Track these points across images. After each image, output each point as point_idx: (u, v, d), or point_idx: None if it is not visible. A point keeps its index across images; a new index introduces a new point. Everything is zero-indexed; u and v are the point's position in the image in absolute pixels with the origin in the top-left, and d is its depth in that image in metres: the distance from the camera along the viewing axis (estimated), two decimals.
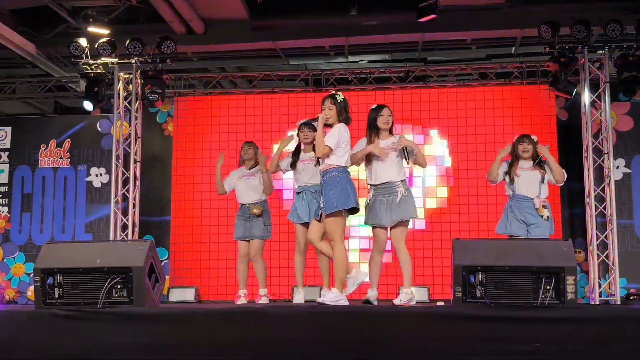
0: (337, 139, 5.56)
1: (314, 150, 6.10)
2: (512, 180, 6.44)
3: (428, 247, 9.02)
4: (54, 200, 9.83)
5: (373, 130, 6.02)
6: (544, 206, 6.30)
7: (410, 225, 6.11)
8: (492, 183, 6.67)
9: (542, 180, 6.39)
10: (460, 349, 3.88)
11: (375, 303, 5.97)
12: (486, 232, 8.80)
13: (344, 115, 5.68)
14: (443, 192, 9.30)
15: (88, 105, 9.14)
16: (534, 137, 6.55)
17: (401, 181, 5.92)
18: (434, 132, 9.42)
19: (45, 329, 4.31)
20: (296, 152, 6.62)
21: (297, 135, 6.64)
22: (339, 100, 5.67)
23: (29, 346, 4.22)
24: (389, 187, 5.89)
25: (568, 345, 3.85)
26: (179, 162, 9.69)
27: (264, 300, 6.99)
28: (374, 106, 6.12)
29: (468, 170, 9.20)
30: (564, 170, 6.42)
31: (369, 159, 6.01)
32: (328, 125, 5.68)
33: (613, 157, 8.58)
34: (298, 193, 6.49)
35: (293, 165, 6.59)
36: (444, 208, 9.21)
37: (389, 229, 5.93)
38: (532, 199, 6.32)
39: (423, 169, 6.69)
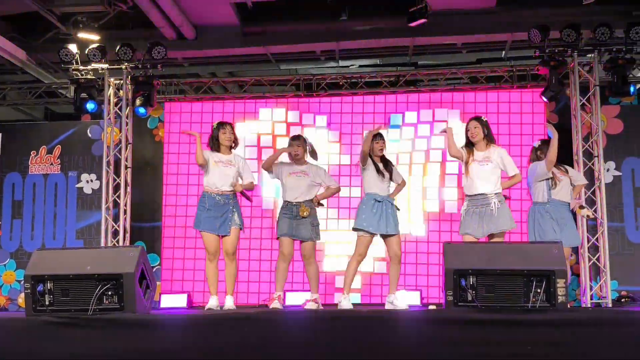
0: None
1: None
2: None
3: (422, 250, 9.03)
4: (44, 206, 9.79)
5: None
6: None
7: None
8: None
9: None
10: (451, 353, 3.88)
11: None
12: None
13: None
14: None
15: (90, 105, 9.02)
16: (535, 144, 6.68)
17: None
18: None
19: (36, 336, 4.29)
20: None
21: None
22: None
23: (19, 353, 4.19)
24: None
25: (559, 348, 3.86)
26: (170, 167, 9.67)
27: (310, 305, 6.71)
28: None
29: (459, 174, 9.20)
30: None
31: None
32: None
33: (603, 160, 8.60)
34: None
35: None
36: (434, 212, 9.21)
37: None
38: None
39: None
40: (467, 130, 6.32)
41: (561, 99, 8.61)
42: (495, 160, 6.20)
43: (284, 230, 6.68)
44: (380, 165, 6.61)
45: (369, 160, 6.58)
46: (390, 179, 6.66)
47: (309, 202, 6.73)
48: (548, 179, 6.57)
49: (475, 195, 6.16)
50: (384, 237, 6.55)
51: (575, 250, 8.68)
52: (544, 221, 6.48)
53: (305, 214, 6.65)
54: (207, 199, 6.63)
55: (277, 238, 6.75)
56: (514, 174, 6.24)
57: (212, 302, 6.60)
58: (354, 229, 6.55)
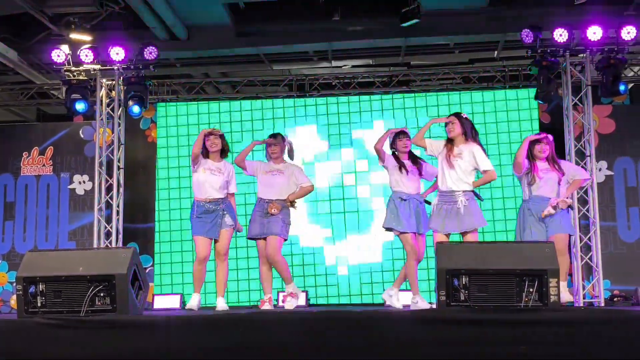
0: None
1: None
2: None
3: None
4: (36, 208, 9.76)
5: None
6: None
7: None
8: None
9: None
10: (443, 353, 3.88)
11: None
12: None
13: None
14: None
15: (80, 105, 8.98)
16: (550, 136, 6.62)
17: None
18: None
19: (28, 338, 4.27)
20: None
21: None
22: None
23: (10, 355, 4.18)
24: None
25: (552, 347, 3.86)
26: (162, 170, 9.65)
27: (289, 302, 6.65)
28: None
29: None
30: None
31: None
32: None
33: (595, 160, 8.63)
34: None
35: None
36: None
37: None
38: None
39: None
40: (446, 126, 6.32)
41: (553, 98, 8.63)
42: (467, 157, 6.11)
43: (256, 231, 6.64)
44: (407, 163, 6.50)
45: (391, 159, 6.53)
46: (420, 175, 6.54)
47: (282, 201, 6.65)
48: (527, 174, 6.50)
49: (444, 191, 6.15)
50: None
51: (568, 248, 8.72)
52: (525, 218, 6.44)
53: (274, 211, 6.56)
54: (197, 207, 6.65)
55: (250, 239, 6.73)
56: (485, 169, 6.12)
57: (193, 302, 6.58)
58: (384, 228, 6.50)
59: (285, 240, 6.71)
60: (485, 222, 6.19)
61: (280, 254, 6.66)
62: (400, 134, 6.58)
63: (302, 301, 8.64)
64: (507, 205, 8.96)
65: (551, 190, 6.41)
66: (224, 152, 6.76)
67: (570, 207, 6.50)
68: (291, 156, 6.90)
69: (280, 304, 6.66)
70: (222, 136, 6.75)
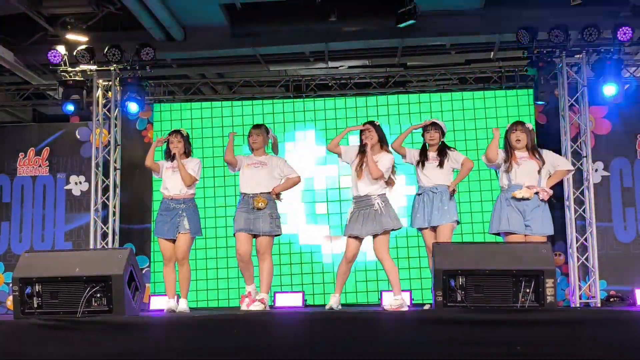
0: None
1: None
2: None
3: (414, 254, 9.04)
4: (33, 209, 9.74)
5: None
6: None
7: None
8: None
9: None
10: (440, 353, 3.89)
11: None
12: (470, 235, 8.86)
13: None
14: None
15: (69, 107, 8.99)
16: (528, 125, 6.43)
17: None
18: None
19: (24, 338, 4.26)
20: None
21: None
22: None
23: (7, 356, 4.17)
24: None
25: (549, 348, 3.87)
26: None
27: (256, 306, 6.39)
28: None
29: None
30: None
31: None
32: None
33: (592, 160, 8.65)
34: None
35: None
36: None
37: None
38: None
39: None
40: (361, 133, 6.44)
41: (550, 99, 8.63)
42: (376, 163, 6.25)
43: (241, 225, 6.43)
44: (432, 154, 6.45)
45: (411, 154, 6.57)
46: (441, 165, 6.42)
47: (266, 194, 6.48)
48: (505, 162, 6.31)
49: (360, 196, 6.24)
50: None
51: (564, 250, 8.73)
52: (502, 208, 6.24)
53: (260, 205, 6.36)
54: (160, 203, 6.70)
55: (234, 235, 6.55)
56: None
57: (169, 305, 6.54)
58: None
59: (279, 235, 6.59)
60: (400, 225, 6.21)
61: (271, 253, 6.53)
62: (429, 126, 6.56)
63: (298, 301, 8.64)
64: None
65: (531, 179, 6.19)
66: (185, 153, 6.79)
67: (552, 199, 6.18)
68: (275, 150, 6.76)
69: (245, 306, 6.51)
70: (183, 135, 6.77)
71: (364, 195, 6.18)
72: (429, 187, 6.39)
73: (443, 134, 6.59)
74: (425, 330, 4.03)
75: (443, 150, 6.49)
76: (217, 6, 8.70)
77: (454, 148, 6.68)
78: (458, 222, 6.42)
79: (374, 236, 6.14)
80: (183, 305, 6.52)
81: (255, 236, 6.47)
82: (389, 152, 6.33)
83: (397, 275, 6.13)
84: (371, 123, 6.40)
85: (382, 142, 6.31)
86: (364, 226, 6.10)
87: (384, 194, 6.26)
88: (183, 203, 6.59)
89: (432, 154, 6.48)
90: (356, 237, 6.20)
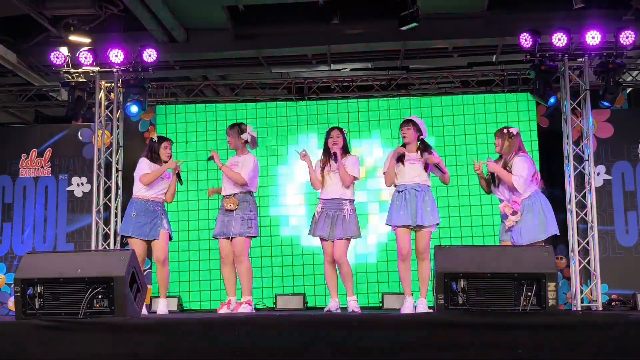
0: None
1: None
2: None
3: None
4: (34, 210, 9.74)
5: None
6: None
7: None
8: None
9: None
10: (442, 357, 3.88)
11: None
12: (470, 239, 8.85)
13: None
14: None
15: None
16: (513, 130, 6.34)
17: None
18: None
19: (26, 340, 4.26)
20: None
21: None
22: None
23: (9, 357, 4.18)
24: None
25: (550, 351, 3.87)
26: None
27: (244, 308, 6.45)
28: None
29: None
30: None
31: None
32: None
33: (594, 164, 8.64)
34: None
35: None
36: None
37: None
38: None
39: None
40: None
41: (546, 98, 8.58)
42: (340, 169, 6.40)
43: (217, 229, 6.59)
44: (414, 155, 6.29)
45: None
46: (425, 168, 6.31)
47: (239, 194, 6.51)
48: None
49: (331, 199, 6.45)
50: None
51: (566, 253, 8.72)
52: (502, 221, 6.30)
53: (230, 206, 6.42)
54: (135, 204, 6.77)
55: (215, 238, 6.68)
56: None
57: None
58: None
59: (255, 237, 6.58)
60: (360, 234, 6.46)
61: (247, 255, 6.51)
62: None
63: (300, 304, 8.61)
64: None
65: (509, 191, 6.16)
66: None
67: (513, 212, 6.08)
68: (253, 146, 6.76)
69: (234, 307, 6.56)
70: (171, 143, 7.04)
71: (336, 198, 6.40)
72: (411, 185, 6.23)
73: (420, 132, 6.35)
74: (426, 333, 4.02)
75: (425, 151, 6.30)
76: (220, 8, 8.71)
77: (434, 150, 6.47)
78: (438, 224, 6.35)
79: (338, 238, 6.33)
80: (162, 306, 6.69)
81: (231, 239, 6.51)
82: (351, 154, 6.59)
83: (352, 279, 6.44)
84: (339, 129, 6.59)
85: (345, 147, 6.54)
86: (333, 230, 6.32)
87: (354, 200, 6.49)
88: (160, 206, 6.83)
89: (413, 154, 6.29)
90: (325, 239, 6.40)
